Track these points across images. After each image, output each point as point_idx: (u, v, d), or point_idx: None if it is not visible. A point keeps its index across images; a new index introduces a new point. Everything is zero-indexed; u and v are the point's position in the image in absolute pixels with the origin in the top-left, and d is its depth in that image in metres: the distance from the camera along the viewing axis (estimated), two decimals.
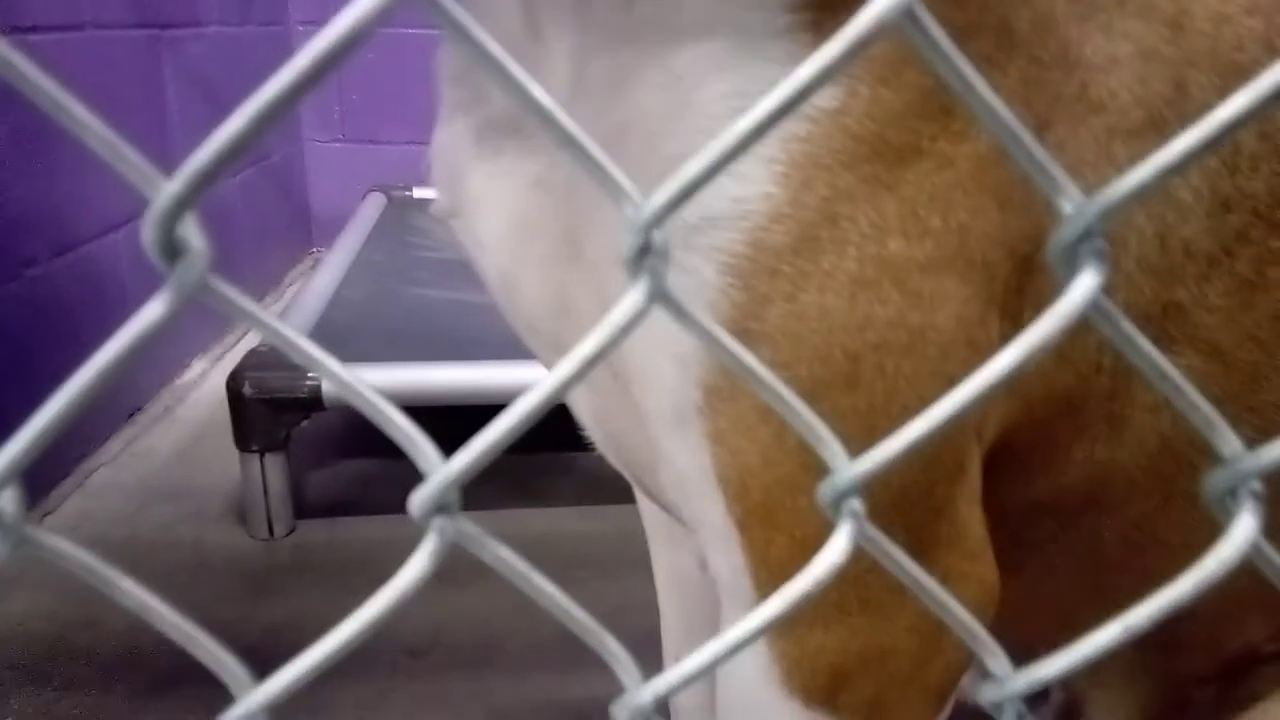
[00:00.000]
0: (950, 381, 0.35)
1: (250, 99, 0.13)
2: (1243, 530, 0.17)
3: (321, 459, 1.39)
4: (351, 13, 0.12)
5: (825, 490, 0.17)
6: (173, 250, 0.14)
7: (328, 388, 1.14)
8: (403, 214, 2.11)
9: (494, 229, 0.41)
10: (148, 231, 0.14)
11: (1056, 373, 0.38)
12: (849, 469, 0.16)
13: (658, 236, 0.15)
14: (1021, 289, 0.36)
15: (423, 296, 1.54)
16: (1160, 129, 0.37)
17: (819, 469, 0.34)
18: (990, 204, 0.33)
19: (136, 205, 1.53)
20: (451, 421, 1.44)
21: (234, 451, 1.18)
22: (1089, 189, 0.36)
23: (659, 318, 0.34)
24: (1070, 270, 0.16)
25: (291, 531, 1.21)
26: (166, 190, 0.13)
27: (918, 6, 0.14)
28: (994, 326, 0.35)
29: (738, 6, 0.32)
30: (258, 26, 2.09)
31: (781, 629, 0.36)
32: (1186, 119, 0.37)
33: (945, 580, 0.37)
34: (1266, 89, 0.15)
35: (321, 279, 1.56)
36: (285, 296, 2.12)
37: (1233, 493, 0.18)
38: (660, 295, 0.16)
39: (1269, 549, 0.18)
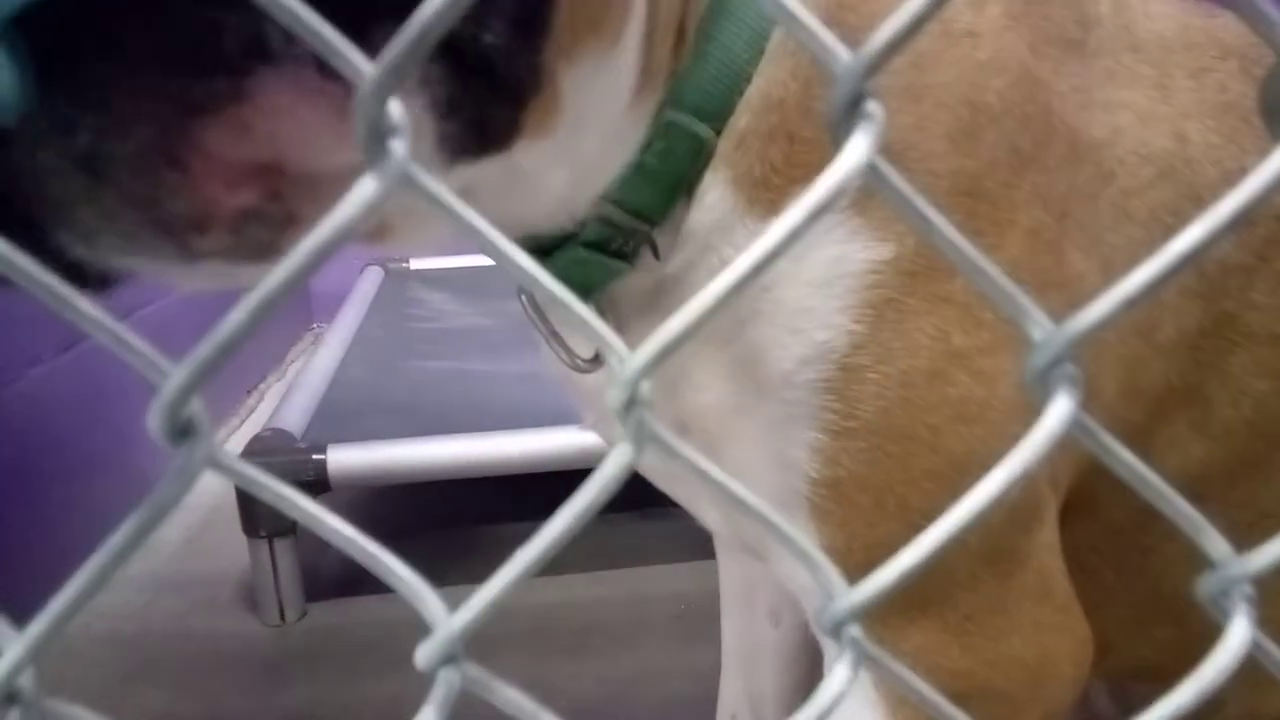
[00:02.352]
0: (1014, 439, 0.39)
1: (249, 296, 0.14)
2: (1238, 635, 0.17)
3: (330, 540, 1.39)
4: (338, 214, 0.13)
5: (824, 619, 0.17)
6: (179, 432, 0.15)
7: (334, 469, 1.14)
8: (400, 286, 2.13)
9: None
10: (154, 418, 0.15)
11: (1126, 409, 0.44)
12: (846, 598, 0.17)
13: (644, 388, 0.16)
14: (1085, 349, 0.40)
15: (424, 368, 1.55)
16: (1170, 176, 0.42)
17: (910, 525, 0.39)
18: (1031, 290, 0.37)
19: (137, 299, 1.55)
20: (462, 492, 1.43)
21: (243, 537, 1.17)
22: (1112, 250, 0.41)
23: (758, 441, 0.40)
24: (1045, 394, 0.16)
25: (304, 616, 1.20)
26: (171, 382, 0.14)
27: (879, 161, 0.15)
28: None
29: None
30: None
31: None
32: (1191, 162, 0.43)
33: (1038, 633, 0.42)
34: (1220, 219, 0.15)
35: (323, 357, 1.57)
36: (288, 375, 2.13)
37: (1226, 595, 0.18)
38: (648, 440, 0.16)
39: (1269, 645, 0.19)
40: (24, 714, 0.16)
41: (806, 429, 0.40)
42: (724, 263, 0.40)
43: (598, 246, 0.40)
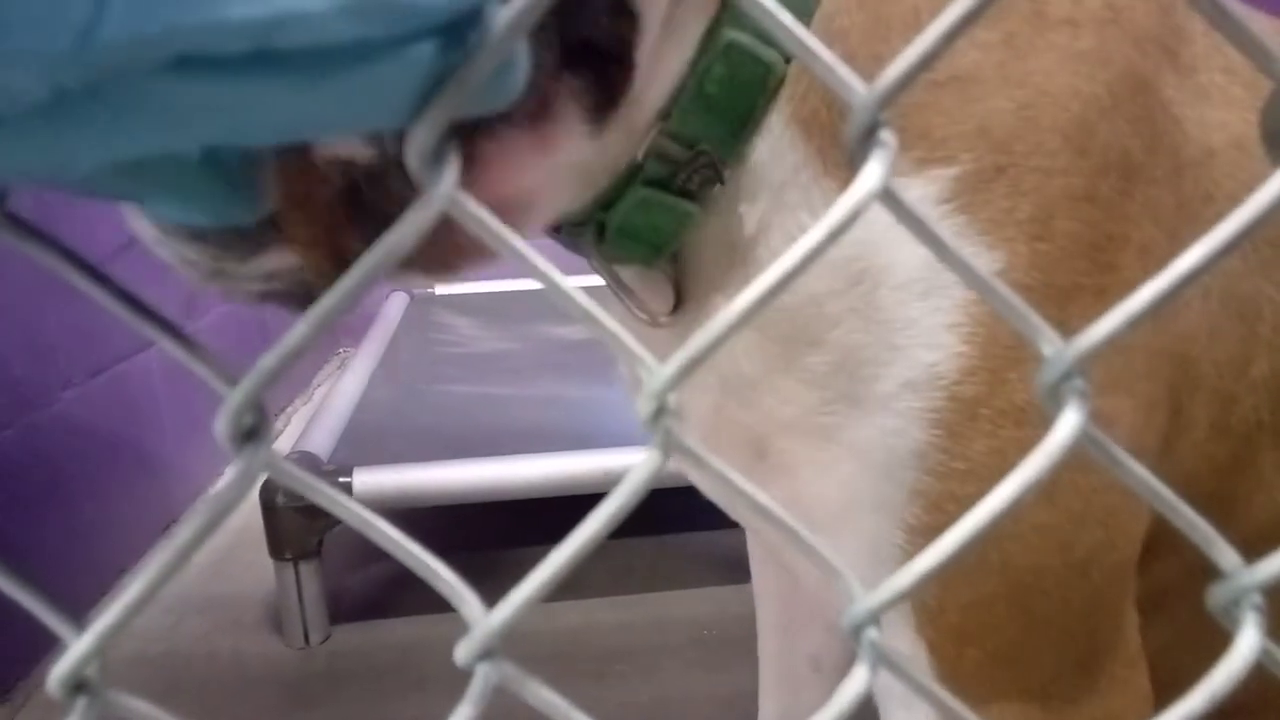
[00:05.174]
0: (1124, 489, 0.38)
1: (310, 310, 0.15)
2: (1247, 643, 0.18)
3: (355, 562, 1.40)
4: (392, 235, 0.14)
5: (846, 620, 0.18)
6: (243, 437, 0.16)
7: (359, 492, 1.15)
8: (425, 311, 2.15)
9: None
10: (221, 425, 0.16)
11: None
12: (864, 601, 0.18)
13: (671, 399, 0.17)
14: (1180, 385, 0.39)
15: (449, 392, 1.57)
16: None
17: (1014, 583, 0.37)
18: (1146, 323, 0.38)
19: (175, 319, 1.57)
20: (487, 515, 1.44)
21: (268, 560, 1.19)
22: (1210, 277, 0.39)
23: (848, 474, 0.37)
24: (1055, 408, 0.17)
25: (327, 638, 1.21)
26: (238, 390, 0.15)
27: (893, 184, 0.16)
28: (1158, 427, 0.38)
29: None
30: None
31: None
32: None
33: (1108, 689, 0.39)
34: (1222, 239, 0.16)
35: (349, 381, 1.59)
36: (314, 398, 2.16)
37: (1236, 604, 0.19)
38: (675, 449, 0.17)
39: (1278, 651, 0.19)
40: (90, 703, 0.17)
41: (908, 467, 0.35)
42: (802, 229, 0.36)
43: (660, 185, 0.35)
